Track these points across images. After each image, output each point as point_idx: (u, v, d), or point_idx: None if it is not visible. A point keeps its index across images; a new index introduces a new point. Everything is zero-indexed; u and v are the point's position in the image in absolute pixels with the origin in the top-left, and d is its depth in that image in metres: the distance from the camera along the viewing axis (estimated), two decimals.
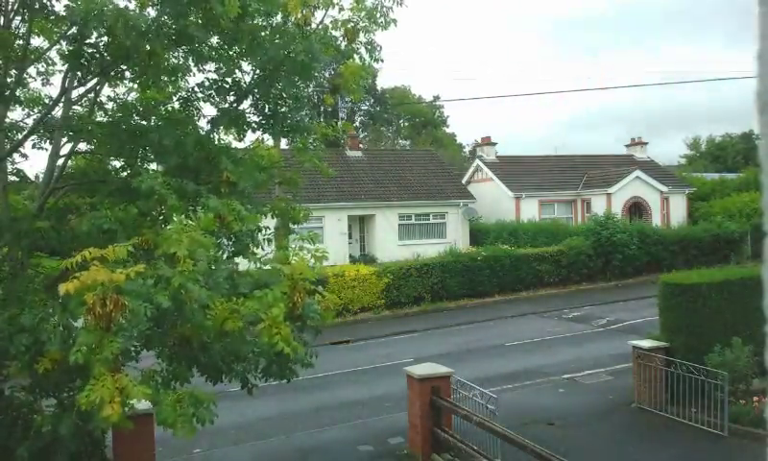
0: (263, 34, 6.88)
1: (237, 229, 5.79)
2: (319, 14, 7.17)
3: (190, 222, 5.21)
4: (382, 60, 7.46)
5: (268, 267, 6.07)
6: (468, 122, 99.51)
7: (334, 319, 22.63)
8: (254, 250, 6.70)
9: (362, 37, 7.29)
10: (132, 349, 5.04)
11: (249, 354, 5.84)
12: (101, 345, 4.33)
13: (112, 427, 5.29)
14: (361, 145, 40.64)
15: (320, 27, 7.17)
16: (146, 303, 4.50)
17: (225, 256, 6.29)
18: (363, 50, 7.39)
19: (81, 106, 7.88)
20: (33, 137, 7.85)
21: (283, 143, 10.52)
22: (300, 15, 6.69)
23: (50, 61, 8.24)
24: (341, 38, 7.27)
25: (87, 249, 4.64)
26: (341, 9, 7.16)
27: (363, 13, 7.09)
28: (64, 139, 7.67)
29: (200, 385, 5.91)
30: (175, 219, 5.19)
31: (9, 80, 7.14)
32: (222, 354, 5.67)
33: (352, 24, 7.16)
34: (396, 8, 7.18)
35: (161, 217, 6.54)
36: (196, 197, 6.12)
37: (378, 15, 7.07)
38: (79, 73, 6.82)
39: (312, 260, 5.71)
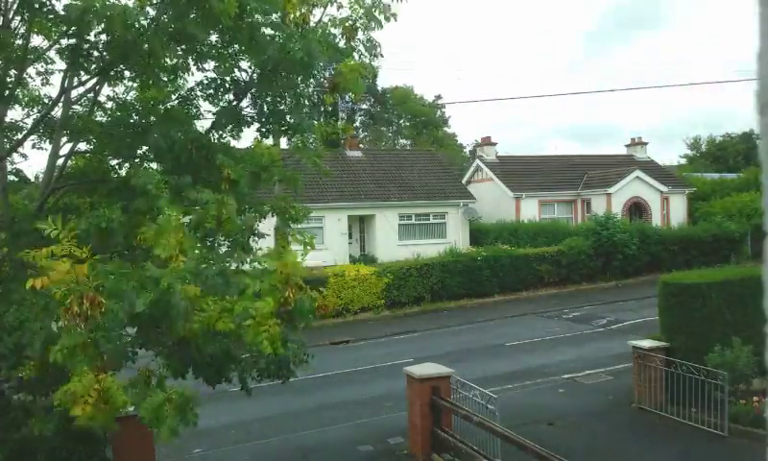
0: (262, 31, 6.87)
1: (230, 228, 5.74)
2: (317, 12, 7.17)
3: (176, 216, 5.09)
4: (382, 55, 7.45)
5: (258, 265, 6.01)
6: (469, 122, 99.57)
7: (334, 319, 22.71)
8: (251, 245, 6.66)
9: (361, 35, 7.29)
10: (129, 350, 5.03)
11: (244, 355, 5.80)
12: (83, 345, 4.30)
13: (102, 429, 5.24)
14: (361, 145, 40.63)
15: (318, 25, 7.16)
16: (128, 303, 4.45)
17: (221, 252, 6.25)
18: (362, 48, 7.39)
19: (80, 105, 7.88)
20: (32, 137, 7.85)
21: (283, 143, 10.52)
22: (298, 14, 6.68)
23: (50, 61, 8.23)
24: (339, 37, 7.27)
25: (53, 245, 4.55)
26: (339, 6, 7.16)
27: (362, 11, 7.08)
28: (64, 139, 7.67)
29: (199, 387, 5.90)
30: (166, 212, 5.05)
31: (8, 79, 7.13)
32: (216, 356, 5.63)
33: (351, 22, 7.15)
34: (395, 2, 7.17)
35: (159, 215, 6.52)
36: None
37: (377, 12, 7.05)
38: (78, 71, 6.81)
39: (301, 251, 5.52)
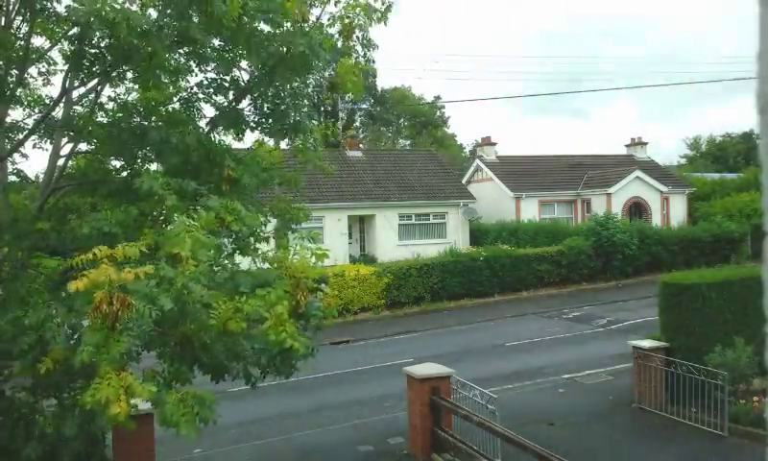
0: (263, 31, 6.89)
1: (237, 229, 5.79)
2: (315, 12, 7.19)
3: (191, 221, 5.21)
4: (373, 61, 7.51)
5: (267, 265, 6.07)
6: (469, 122, 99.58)
7: (334, 319, 22.74)
8: (256, 246, 6.70)
9: (358, 34, 7.32)
10: (135, 349, 5.05)
11: (249, 352, 5.84)
12: (107, 344, 4.34)
13: (113, 427, 5.30)
14: (361, 145, 40.64)
15: (317, 24, 7.18)
16: (150, 303, 4.51)
17: (225, 255, 6.29)
18: (359, 47, 7.42)
19: (81, 106, 7.89)
20: (33, 137, 7.85)
21: (283, 144, 10.54)
22: (297, 12, 6.70)
23: (51, 62, 8.24)
24: (337, 35, 7.29)
25: (98, 247, 4.66)
26: (337, 2, 7.18)
27: (358, 9, 7.11)
28: (65, 139, 7.67)
29: (202, 384, 5.92)
30: (176, 218, 5.18)
31: (10, 80, 7.14)
32: (223, 353, 5.68)
33: (348, 20, 7.18)
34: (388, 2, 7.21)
35: (162, 217, 6.54)
36: (196, 196, 6.12)
37: (376, 3, 7.07)
38: (80, 73, 6.82)
39: (313, 259, 5.71)
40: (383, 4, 7.13)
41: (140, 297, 4.47)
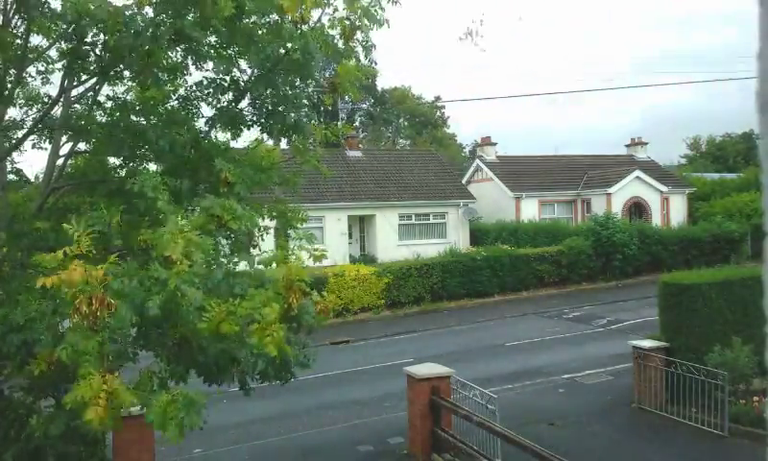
0: (260, 32, 6.87)
1: (236, 227, 5.76)
2: (315, 13, 7.16)
3: (184, 221, 5.15)
4: (375, 63, 7.47)
5: (261, 267, 6.02)
6: (469, 122, 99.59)
7: (334, 319, 22.76)
8: (255, 244, 6.67)
9: (359, 35, 7.28)
10: (130, 350, 5.03)
11: (245, 357, 5.81)
12: (87, 344, 4.30)
13: (105, 428, 5.25)
14: (361, 145, 40.64)
15: (317, 25, 7.15)
16: (135, 306, 4.46)
17: (223, 254, 6.26)
18: (360, 49, 7.39)
19: (80, 105, 7.87)
20: (32, 137, 7.84)
21: (283, 144, 10.52)
22: (297, 14, 6.68)
23: (49, 60, 8.22)
24: (338, 37, 7.27)
25: (67, 246, 4.57)
26: (335, 9, 7.16)
27: (359, 12, 7.09)
28: (64, 139, 7.66)
29: (198, 386, 5.90)
30: (170, 218, 5.12)
31: (8, 79, 7.13)
32: (218, 357, 5.64)
33: (349, 22, 7.15)
34: (390, 6, 7.19)
35: (159, 217, 6.51)
36: (192, 196, 6.10)
37: (375, 12, 7.06)
38: (77, 72, 6.81)
39: (310, 260, 5.66)
40: (378, 19, 7.10)
41: (125, 298, 4.41)
